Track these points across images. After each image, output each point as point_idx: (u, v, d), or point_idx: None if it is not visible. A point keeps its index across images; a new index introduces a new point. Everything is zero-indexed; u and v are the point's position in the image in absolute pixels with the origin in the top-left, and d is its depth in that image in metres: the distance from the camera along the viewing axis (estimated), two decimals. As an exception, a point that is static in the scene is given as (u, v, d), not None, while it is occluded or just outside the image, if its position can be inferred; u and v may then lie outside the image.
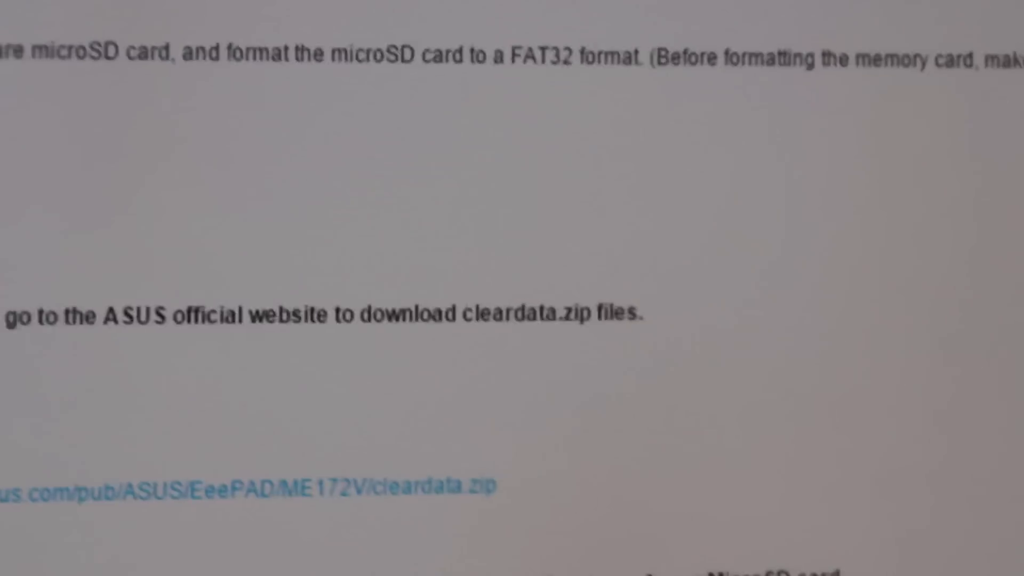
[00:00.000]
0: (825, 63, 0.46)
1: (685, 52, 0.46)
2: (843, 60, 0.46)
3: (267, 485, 0.46)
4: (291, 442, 0.46)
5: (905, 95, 0.47)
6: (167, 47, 0.44)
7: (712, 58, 0.46)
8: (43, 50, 0.44)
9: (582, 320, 0.46)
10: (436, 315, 0.46)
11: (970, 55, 0.46)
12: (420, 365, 0.46)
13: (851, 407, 0.46)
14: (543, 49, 0.45)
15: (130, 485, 0.45)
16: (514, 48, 0.46)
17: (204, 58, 0.44)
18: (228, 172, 0.45)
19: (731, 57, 0.46)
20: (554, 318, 0.46)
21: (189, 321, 0.45)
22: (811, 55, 0.46)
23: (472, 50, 0.46)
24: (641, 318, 0.47)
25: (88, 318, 0.45)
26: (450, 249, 0.46)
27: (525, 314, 0.46)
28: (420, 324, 0.46)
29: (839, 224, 0.46)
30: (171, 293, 0.45)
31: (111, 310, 0.45)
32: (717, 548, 0.47)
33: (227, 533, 0.46)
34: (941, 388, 0.47)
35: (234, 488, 0.46)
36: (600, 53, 0.46)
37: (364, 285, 0.46)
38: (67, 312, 0.45)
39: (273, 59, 0.44)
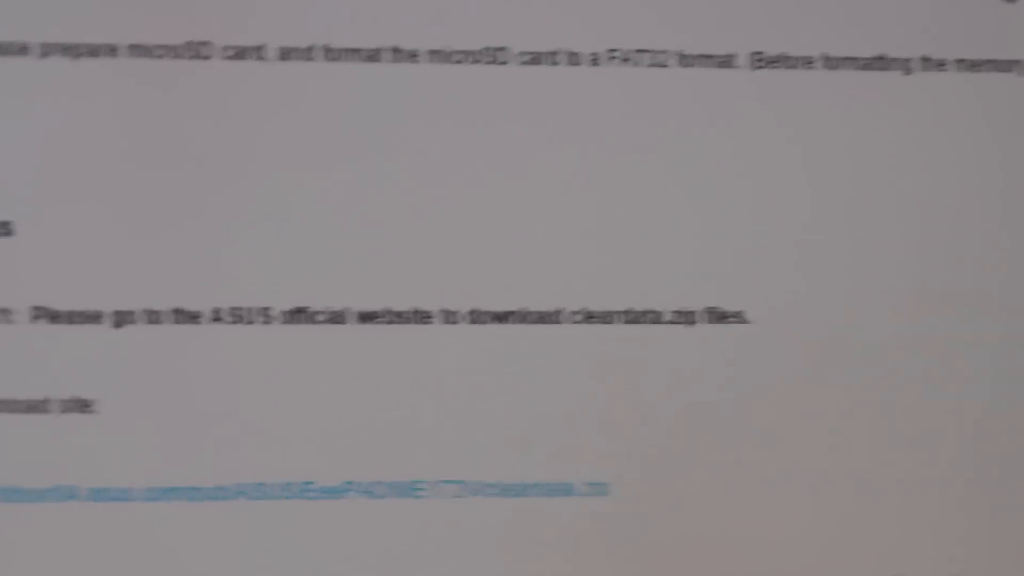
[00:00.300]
0: (924, 68, 0.46)
1: (782, 56, 0.46)
2: (940, 65, 0.46)
3: (379, 487, 0.46)
4: (403, 444, 0.46)
5: (1003, 100, 0.47)
6: (262, 48, 0.44)
7: (809, 62, 0.46)
8: (137, 49, 0.43)
9: (689, 324, 0.46)
10: (543, 318, 0.46)
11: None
12: (528, 368, 0.46)
13: (966, 410, 0.46)
14: (640, 52, 0.45)
15: (242, 486, 0.46)
16: (610, 52, 0.45)
17: (299, 59, 0.44)
18: (334, 174, 0.46)
19: (829, 62, 0.46)
20: (661, 322, 0.46)
21: (295, 322, 0.45)
22: (909, 60, 0.46)
23: (568, 53, 0.45)
24: (749, 322, 0.47)
25: (194, 318, 0.45)
26: (557, 253, 0.46)
27: (632, 318, 0.46)
28: (527, 327, 0.46)
29: (946, 226, 0.46)
30: (277, 293, 0.45)
31: (217, 310, 0.45)
32: (831, 554, 0.47)
33: (338, 535, 0.46)
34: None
35: (346, 490, 0.46)
36: (697, 56, 0.45)
37: (471, 287, 0.46)
38: (174, 312, 0.45)
39: (368, 60, 0.44)
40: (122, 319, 0.45)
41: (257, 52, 0.44)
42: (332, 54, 0.44)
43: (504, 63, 0.45)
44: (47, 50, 0.43)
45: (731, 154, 0.46)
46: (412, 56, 0.44)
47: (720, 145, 0.46)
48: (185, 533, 0.45)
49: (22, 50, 0.43)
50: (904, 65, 0.47)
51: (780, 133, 0.46)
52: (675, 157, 0.46)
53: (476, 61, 0.44)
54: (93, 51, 0.43)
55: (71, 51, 0.43)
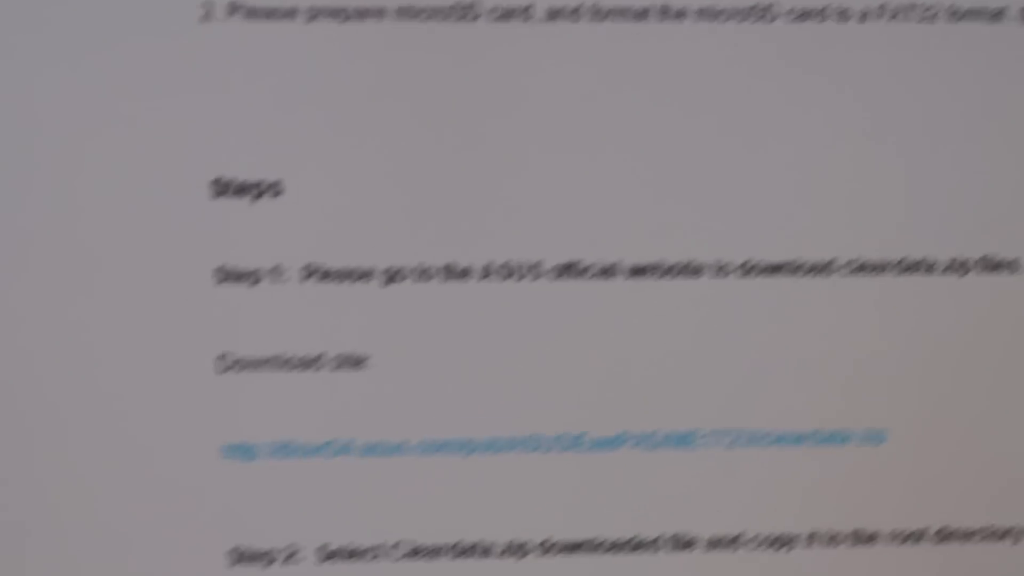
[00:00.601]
0: None
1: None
2: None
3: (653, 437, 0.46)
4: (677, 394, 0.46)
5: None
6: (529, 8, 0.44)
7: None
8: (405, 12, 0.43)
9: (963, 273, 0.46)
10: (814, 269, 0.46)
11: None
12: (799, 318, 0.46)
13: None
14: (911, 7, 0.44)
15: (517, 438, 0.46)
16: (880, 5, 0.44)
17: (566, 20, 0.43)
18: (601, 131, 0.45)
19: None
20: (934, 271, 0.46)
21: (566, 276, 0.45)
22: None
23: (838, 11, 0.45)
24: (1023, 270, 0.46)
25: (464, 274, 0.45)
26: (829, 201, 0.46)
27: (906, 267, 0.46)
28: (798, 278, 0.46)
29: None
30: (548, 248, 0.45)
31: (487, 266, 0.45)
32: None
33: (616, 483, 0.47)
34: None
35: (621, 440, 0.46)
36: (967, 11, 0.44)
37: (742, 238, 0.46)
38: (444, 268, 0.45)
39: (635, 19, 0.43)
40: (392, 276, 0.45)
41: (524, 13, 0.43)
42: (599, 15, 0.43)
43: (773, 20, 0.44)
44: (314, 13, 0.43)
45: (1004, 104, 0.45)
46: (679, 15, 0.43)
47: (995, 95, 0.45)
48: (459, 486, 0.46)
49: (290, 14, 0.43)
50: None
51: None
52: (943, 110, 0.45)
53: (743, 19, 0.43)
54: (361, 14, 0.43)
55: (338, 15, 0.43)
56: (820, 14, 0.44)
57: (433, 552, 0.46)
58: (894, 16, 0.44)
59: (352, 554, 0.46)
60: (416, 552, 0.46)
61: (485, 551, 0.47)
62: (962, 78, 0.45)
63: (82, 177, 0.43)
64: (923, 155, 0.45)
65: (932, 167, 0.46)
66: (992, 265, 0.46)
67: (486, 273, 0.45)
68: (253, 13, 0.43)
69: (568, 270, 0.45)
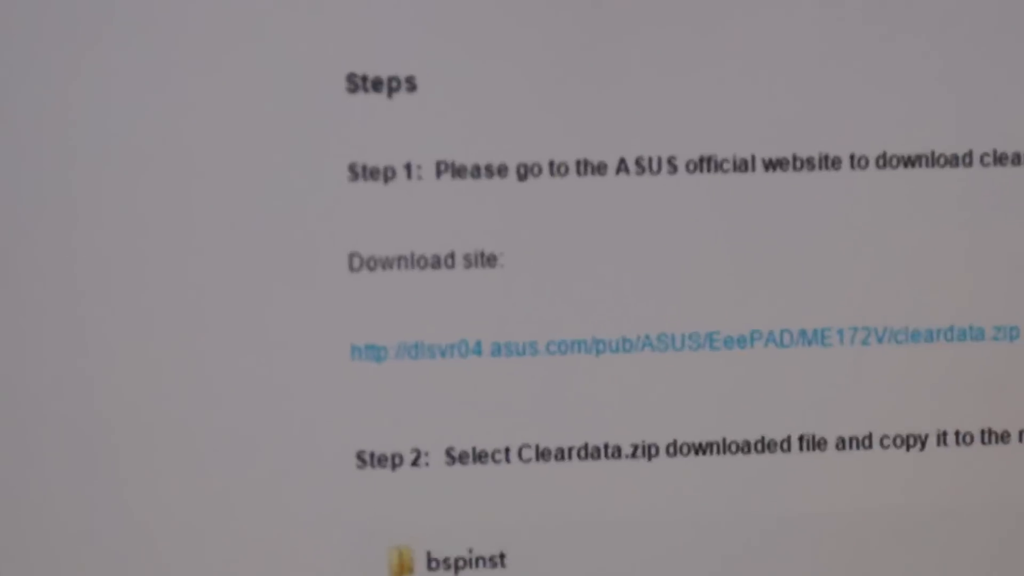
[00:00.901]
0: None
1: None
2: None
3: (786, 335, 0.50)
4: (811, 291, 0.50)
5: None
6: None
7: None
8: None
9: None
10: (952, 161, 0.49)
11: None
12: (935, 211, 0.50)
13: None
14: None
15: (648, 336, 0.50)
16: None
17: None
18: (739, 25, 0.49)
19: None
20: None
21: (701, 171, 0.49)
22: None
23: None
24: None
25: (600, 169, 0.49)
26: (966, 93, 0.50)
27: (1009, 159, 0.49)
28: (935, 170, 0.50)
29: None
30: (683, 142, 0.49)
31: (623, 161, 0.49)
32: None
33: (746, 382, 0.51)
34: None
35: (753, 338, 0.50)
36: None
37: (879, 132, 0.49)
38: (578, 163, 0.49)
39: None
40: (527, 171, 0.49)
41: None
42: None
43: None
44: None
45: None
46: None
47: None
48: (589, 384, 0.50)
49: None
50: None
51: None
52: None
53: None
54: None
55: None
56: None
57: (560, 454, 0.50)
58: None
59: (479, 457, 0.50)
60: (543, 454, 0.50)
61: (614, 453, 0.50)
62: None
63: (219, 75, 0.47)
64: None
65: None
66: None
67: (621, 168, 0.48)
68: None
69: (703, 164, 0.49)
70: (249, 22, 0.47)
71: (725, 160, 0.49)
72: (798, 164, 0.49)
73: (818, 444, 0.51)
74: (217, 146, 0.48)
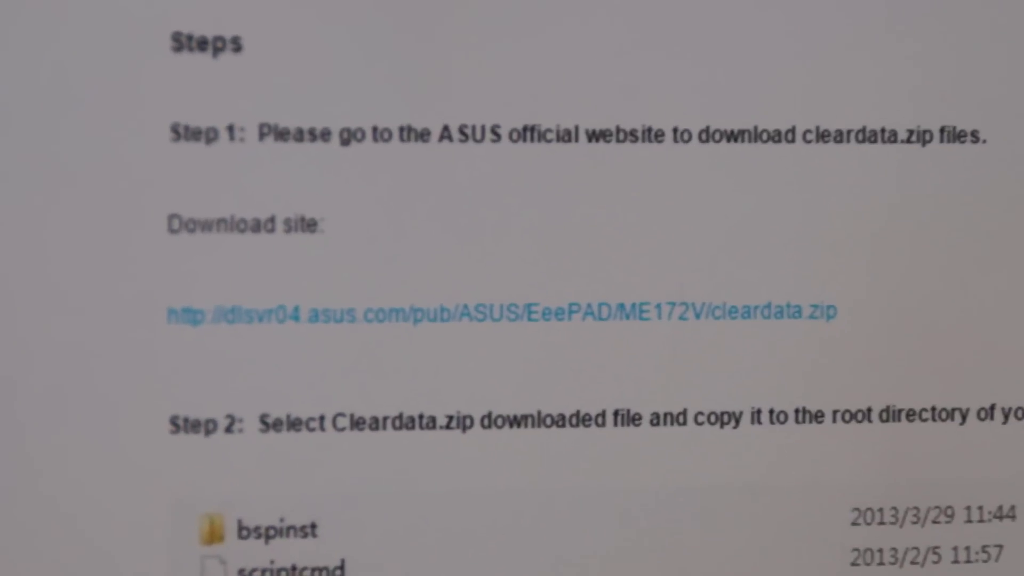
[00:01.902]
0: None
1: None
2: None
3: (604, 308, 0.62)
4: (629, 265, 0.59)
5: None
6: None
7: None
8: None
9: (924, 143, 0.60)
10: (775, 136, 0.60)
11: None
12: (758, 187, 0.60)
13: None
14: None
15: (466, 307, 0.61)
16: None
17: None
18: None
19: None
20: (895, 141, 0.60)
21: (525, 140, 0.61)
22: None
23: None
24: (984, 141, 0.61)
25: (423, 136, 0.62)
26: (790, 69, 0.60)
27: (866, 136, 0.61)
28: (759, 145, 0.61)
29: None
30: (507, 111, 0.59)
31: (446, 128, 0.62)
32: None
33: (563, 355, 0.60)
34: None
35: (571, 311, 0.62)
36: None
37: (701, 104, 0.60)
38: (401, 130, 0.62)
39: None
40: (350, 136, 0.61)
41: None
42: None
43: None
44: None
45: None
46: None
47: None
48: (406, 353, 0.60)
49: None
50: None
51: None
52: None
53: None
54: None
55: None
56: None
57: (375, 423, 0.60)
58: None
59: (293, 424, 0.60)
60: (358, 423, 0.60)
61: (428, 423, 0.60)
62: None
63: (39, 30, 0.58)
64: (884, 22, 0.61)
65: (894, 35, 0.60)
66: (954, 135, 0.60)
67: (444, 135, 0.60)
68: None
69: (526, 133, 0.61)
70: None
71: (548, 130, 0.61)
72: (621, 136, 0.61)
73: (633, 419, 0.61)
74: (36, 102, 0.57)
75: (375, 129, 0.61)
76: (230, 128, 0.60)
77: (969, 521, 0.64)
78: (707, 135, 0.62)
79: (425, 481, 0.62)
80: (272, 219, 0.60)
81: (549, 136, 0.61)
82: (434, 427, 0.62)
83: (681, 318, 0.62)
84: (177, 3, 0.58)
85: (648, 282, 0.62)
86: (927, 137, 0.62)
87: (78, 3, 0.58)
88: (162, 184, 0.59)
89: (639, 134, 0.62)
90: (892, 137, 0.62)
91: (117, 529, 0.61)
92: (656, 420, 0.63)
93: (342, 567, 0.61)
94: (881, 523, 0.64)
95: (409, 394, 0.61)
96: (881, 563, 0.62)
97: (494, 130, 0.61)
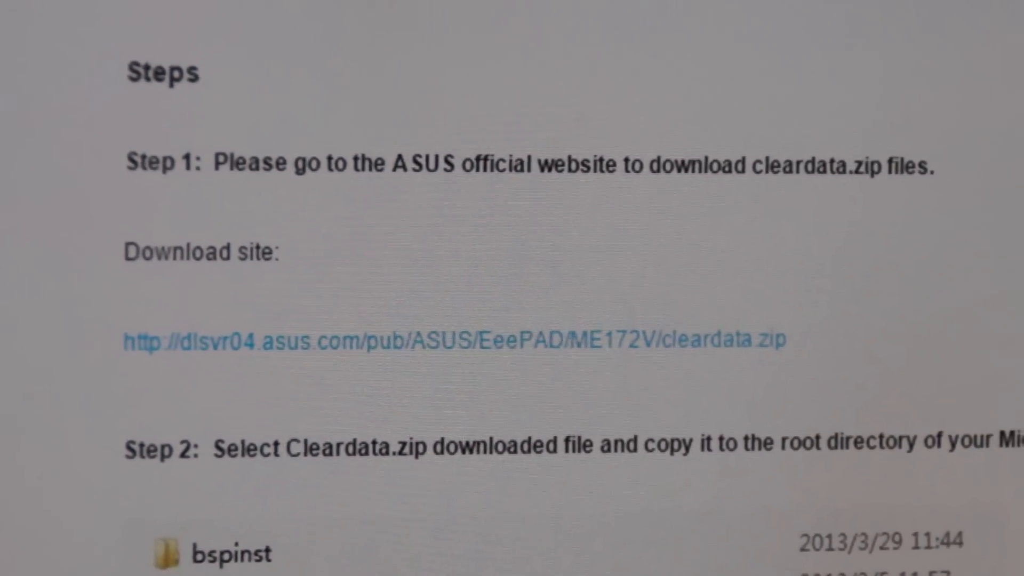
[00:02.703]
0: None
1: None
2: None
3: (556, 336, 0.63)
4: (580, 293, 0.61)
5: None
6: None
7: None
8: None
9: (872, 174, 0.62)
10: (725, 166, 0.62)
11: None
12: (708, 216, 0.61)
13: None
14: None
15: (419, 334, 0.63)
16: None
17: None
18: (519, 20, 0.60)
19: None
20: (844, 171, 0.62)
21: (478, 169, 0.62)
22: None
23: None
24: (932, 172, 0.62)
25: (377, 165, 0.63)
26: (741, 100, 0.61)
27: (816, 167, 0.62)
28: (709, 175, 0.62)
29: None
30: (460, 141, 0.60)
31: (400, 157, 0.62)
32: (1008, 404, 0.64)
33: (515, 382, 0.62)
34: None
35: (523, 338, 0.63)
36: None
37: (653, 135, 0.61)
38: (356, 159, 0.62)
39: None
40: (304, 165, 0.62)
41: None
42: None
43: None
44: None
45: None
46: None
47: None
48: (359, 380, 0.61)
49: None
50: None
51: None
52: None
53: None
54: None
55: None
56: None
57: (329, 449, 0.61)
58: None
59: (248, 449, 0.61)
60: (312, 449, 0.61)
61: (381, 449, 0.62)
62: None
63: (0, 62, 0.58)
64: (834, 59, 0.62)
65: (843, 68, 0.62)
66: (902, 166, 0.62)
67: (398, 164, 0.61)
68: None
69: (479, 163, 0.61)
70: (32, 7, 0.58)
71: (501, 160, 0.62)
72: (573, 166, 0.62)
73: (584, 446, 0.63)
74: None
75: (330, 158, 0.62)
76: (186, 157, 0.61)
77: (916, 547, 0.66)
78: (658, 165, 0.63)
79: (378, 506, 0.63)
80: (227, 247, 0.61)
81: (502, 166, 0.62)
82: (387, 453, 0.64)
83: (632, 346, 0.64)
84: (135, 33, 0.59)
85: (599, 310, 0.63)
86: (875, 168, 0.63)
87: (37, 32, 0.59)
88: (119, 211, 0.60)
89: (591, 164, 0.63)
90: (841, 168, 0.63)
91: (73, 552, 0.62)
92: (607, 446, 0.64)
93: (295, 591, 0.56)
94: (830, 549, 0.66)
95: (362, 420, 0.63)
96: (830, 588, 0.59)
97: (447, 159, 0.62)
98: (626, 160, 0.63)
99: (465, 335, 0.63)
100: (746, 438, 0.64)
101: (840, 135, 0.63)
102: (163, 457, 0.62)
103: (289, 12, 0.60)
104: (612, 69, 0.62)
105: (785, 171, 0.63)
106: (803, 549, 0.65)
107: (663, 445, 0.64)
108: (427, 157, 0.62)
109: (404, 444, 0.63)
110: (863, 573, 0.65)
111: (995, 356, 0.64)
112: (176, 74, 0.61)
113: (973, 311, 0.64)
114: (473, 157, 0.62)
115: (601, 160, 0.63)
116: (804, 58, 0.62)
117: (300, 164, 0.62)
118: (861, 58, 0.63)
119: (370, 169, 0.62)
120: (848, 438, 0.65)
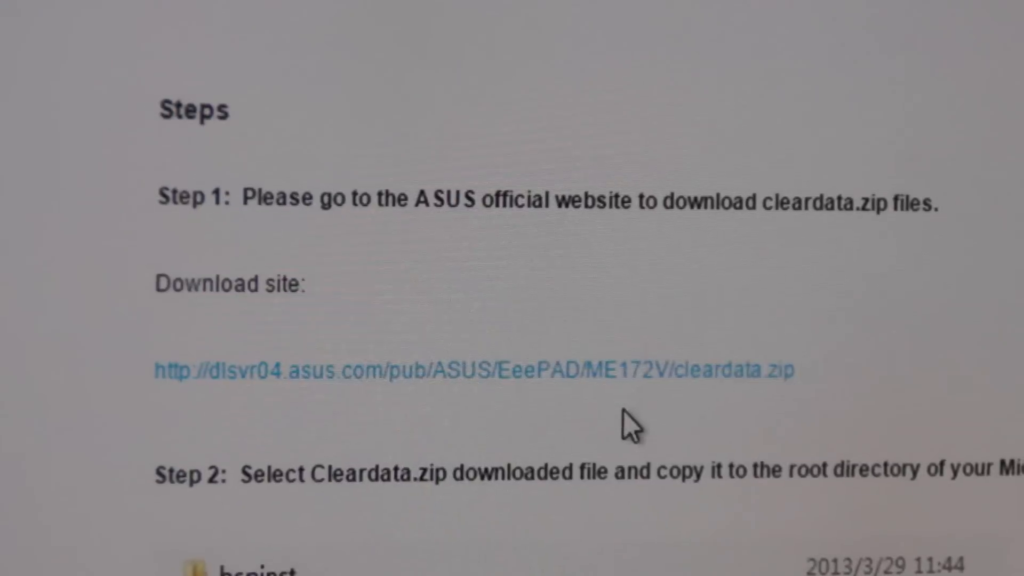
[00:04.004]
0: None
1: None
2: None
3: (572, 365, 0.63)
4: (596, 324, 0.62)
5: None
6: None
7: None
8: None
9: (878, 211, 0.63)
10: (736, 203, 0.63)
11: None
12: (720, 251, 0.62)
13: None
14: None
15: (440, 363, 0.63)
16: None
17: None
18: (539, 62, 0.62)
19: None
20: (851, 208, 0.63)
21: (497, 205, 0.63)
22: None
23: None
24: (936, 209, 0.63)
25: (400, 200, 0.64)
26: (751, 139, 0.62)
27: (823, 203, 0.63)
28: (720, 212, 0.63)
29: None
30: (481, 177, 0.62)
31: (422, 193, 0.64)
32: (1008, 433, 0.66)
33: (532, 411, 0.63)
34: None
35: (540, 368, 0.63)
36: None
37: (667, 172, 0.62)
38: (380, 194, 0.64)
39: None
40: (330, 201, 0.63)
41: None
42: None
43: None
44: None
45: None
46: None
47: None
48: (382, 408, 0.62)
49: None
50: None
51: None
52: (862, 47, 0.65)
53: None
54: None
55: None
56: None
57: (352, 475, 0.62)
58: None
59: (274, 475, 0.62)
60: (336, 475, 0.62)
61: (403, 475, 0.63)
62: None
63: (36, 96, 0.60)
64: (840, 94, 0.64)
65: (851, 108, 0.64)
66: (907, 203, 0.63)
67: (421, 200, 0.61)
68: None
69: (499, 199, 0.62)
70: (69, 46, 0.59)
71: (520, 195, 0.63)
72: (589, 201, 0.63)
73: (599, 472, 0.64)
74: (33, 165, 0.59)
75: (355, 193, 0.63)
76: (216, 192, 0.62)
77: (919, 572, 0.66)
78: (672, 201, 0.64)
79: (399, 531, 0.64)
80: (255, 279, 0.62)
81: (521, 201, 0.63)
82: (408, 479, 0.64)
83: (645, 376, 0.65)
84: (167, 71, 0.60)
85: (614, 341, 0.64)
86: (881, 205, 0.64)
87: (72, 70, 0.60)
88: (151, 245, 0.61)
89: (607, 200, 0.64)
90: (848, 204, 0.64)
91: (104, 573, 0.63)
92: (621, 473, 0.65)
93: (319, 612, 0.56)
94: (835, 573, 0.66)
95: (385, 447, 0.64)
96: (835, 611, 0.60)
97: (468, 195, 0.63)
98: (640, 196, 0.64)
99: (484, 365, 0.64)
100: (755, 465, 0.65)
101: (847, 173, 0.63)
102: (192, 482, 0.63)
103: (316, 53, 0.61)
104: (628, 110, 0.63)
105: (794, 208, 0.64)
106: (810, 573, 0.65)
107: (675, 472, 0.65)
108: (448, 193, 0.63)
109: (425, 470, 0.64)
110: (868, 597, 0.61)
111: (996, 387, 0.64)
112: (207, 111, 0.62)
113: (974, 343, 0.64)
114: (493, 193, 0.63)
115: (616, 196, 0.64)
116: (813, 99, 0.63)
117: (326, 199, 0.63)
118: (868, 99, 0.63)
119: (393, 204, 0.63)
120: (854, 466, 0.65)
